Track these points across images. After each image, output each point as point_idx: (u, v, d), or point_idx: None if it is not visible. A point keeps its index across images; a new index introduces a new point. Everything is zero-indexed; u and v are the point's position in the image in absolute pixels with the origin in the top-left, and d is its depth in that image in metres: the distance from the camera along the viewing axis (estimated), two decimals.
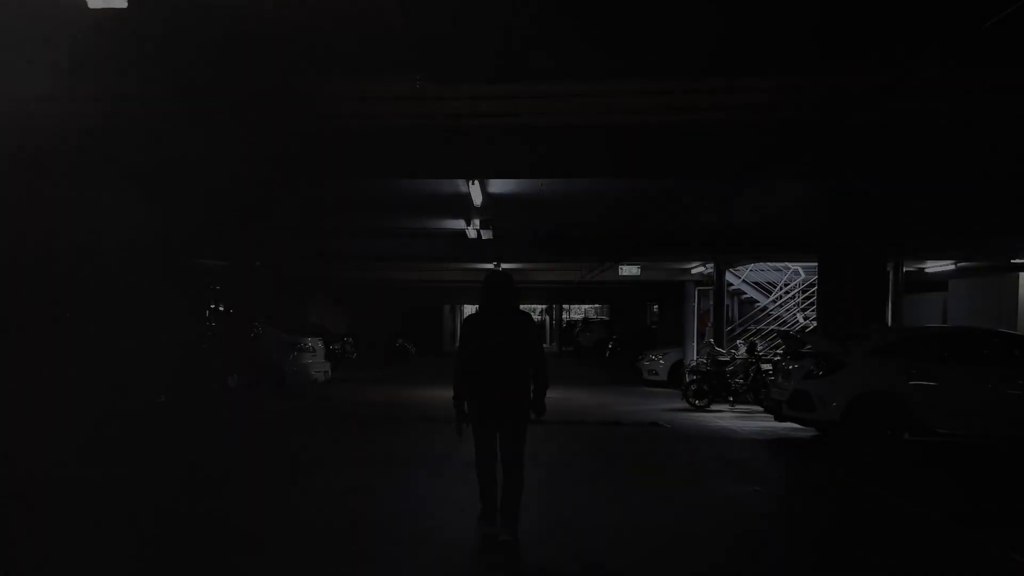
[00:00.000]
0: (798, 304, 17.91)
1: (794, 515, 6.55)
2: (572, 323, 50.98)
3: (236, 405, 10.59)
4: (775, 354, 15.07)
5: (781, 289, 18.33)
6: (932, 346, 9.87)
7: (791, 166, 7.61)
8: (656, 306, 34.05)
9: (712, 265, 16.78)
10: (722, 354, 14.97)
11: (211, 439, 9.64)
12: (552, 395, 5.54)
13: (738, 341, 16.77)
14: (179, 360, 9.78)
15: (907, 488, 7.40)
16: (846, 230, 11.15)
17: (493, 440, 5.26)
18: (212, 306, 10.82)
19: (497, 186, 9.98)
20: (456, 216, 12.15)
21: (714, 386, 14.28)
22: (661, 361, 19.23)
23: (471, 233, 12.88)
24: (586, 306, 62.22)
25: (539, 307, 43.88)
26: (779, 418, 10.55)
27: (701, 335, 18.36)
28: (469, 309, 56.22)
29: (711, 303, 17.41)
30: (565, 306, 50.25)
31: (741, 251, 13.51)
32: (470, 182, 8.47)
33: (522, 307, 5.68)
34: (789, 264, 18.03)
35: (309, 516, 6.02)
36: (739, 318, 19.57)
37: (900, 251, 11.87)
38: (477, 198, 9.65)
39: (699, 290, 18.62)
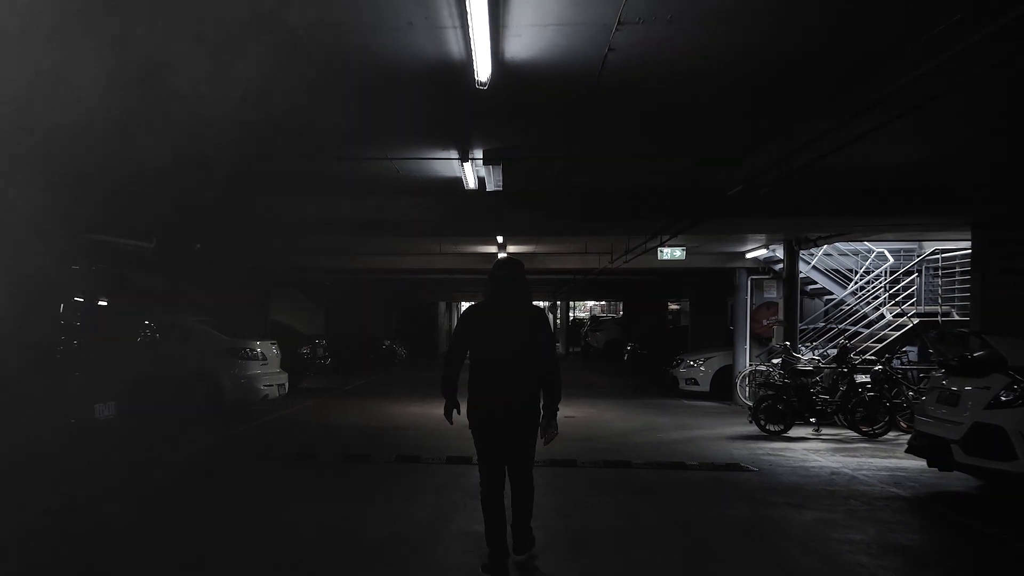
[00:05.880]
0: (888, 296, 14.19)
1: None
2: (579, 321, 47.44)
3: (113, 445, 7.04)
4: (869, 361, 11.40)
5: (861, 278, 14.63)
6: None
7: None
8: (675, 303, 30.59)
9: (779, 247, 13.13)
10: (802, 362, 11.36)
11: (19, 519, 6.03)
12: (574, 412, 4.39)
13: (800, 345, 13.17)
14: (10, 381, 6.17)
15: None
16: None
17: (501, 463, 4.51)
18: (77, 299, 7.15)
19: (525, 40, 4.84)
20: (446, 141, 7.52)
21: (793, 405, 10.72)
22: (702, 368, 15.73)
23: (469, 180, 8.47)
24: (591, 303, 58.53)
25: (543, 303, 40.29)
26: (938, 464, 6.93)
27: (756, 336, 14.70)
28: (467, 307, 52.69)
29: (780, 294, 13.72)
30: (570, 303, 46.55)
31: (859, 213, 9.25)
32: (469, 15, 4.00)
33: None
34: (872, 247, 14.35)
35: None
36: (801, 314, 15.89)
37: None
38: (484, 67, 4.83)
39: (752, 280, 14.93)
